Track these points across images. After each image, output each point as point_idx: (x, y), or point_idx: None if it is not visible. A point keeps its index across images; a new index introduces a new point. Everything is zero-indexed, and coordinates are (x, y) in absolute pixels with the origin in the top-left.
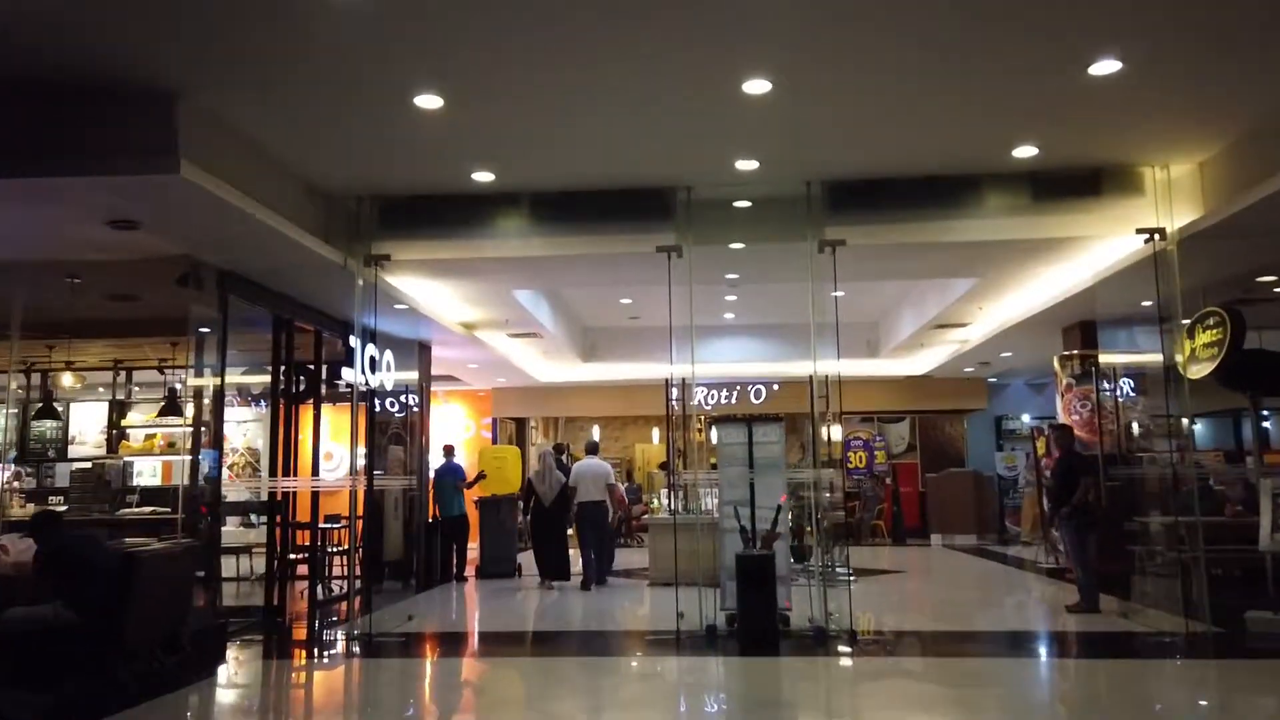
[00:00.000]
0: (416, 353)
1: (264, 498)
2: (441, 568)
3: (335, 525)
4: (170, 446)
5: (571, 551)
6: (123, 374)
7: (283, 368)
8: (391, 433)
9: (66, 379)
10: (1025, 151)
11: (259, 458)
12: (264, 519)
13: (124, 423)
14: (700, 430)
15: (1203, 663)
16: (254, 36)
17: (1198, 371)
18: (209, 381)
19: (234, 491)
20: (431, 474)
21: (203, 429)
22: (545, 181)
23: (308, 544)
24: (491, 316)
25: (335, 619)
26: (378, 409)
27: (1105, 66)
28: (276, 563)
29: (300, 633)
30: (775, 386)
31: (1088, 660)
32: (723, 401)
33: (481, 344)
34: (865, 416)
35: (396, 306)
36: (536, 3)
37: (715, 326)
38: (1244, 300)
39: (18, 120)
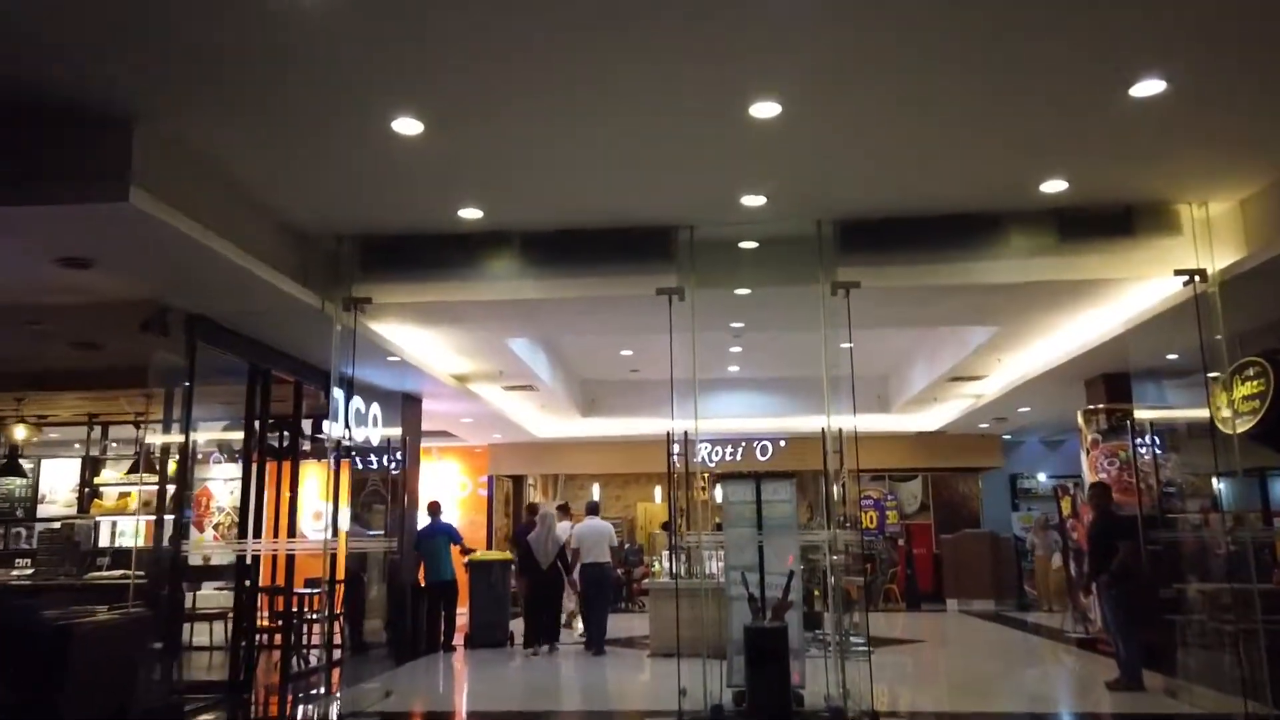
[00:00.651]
0: (402, 405)
1: (234, 560)
2: (428, 635)
3: (313, 590)
4: (146, 506)
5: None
6: (97, 429)
7: (256, 421)
8: (369, 489)
9: (20, 432)
10: (1054, 186)
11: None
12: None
13: (97, 480)
14: (704, 488)
15: None
16: (221, 56)
17: (1238, 426)
18: (176, 438)
19: (219, 554)
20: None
21: (168, 488)
22: (536, 219)
23: (284, 610)
24: (485, 368)
25: (307, 693)
26: (359, 465)
27: (1149, 87)
28: (245, 632)
29: (265, 710)
30: (782, 442)
31: None
32: (727, 458)
33: (475, 397)
34: (876, 474)
35: (389, 359)
36: (518, 19)
37: (720, 380)
38: None
39: None
